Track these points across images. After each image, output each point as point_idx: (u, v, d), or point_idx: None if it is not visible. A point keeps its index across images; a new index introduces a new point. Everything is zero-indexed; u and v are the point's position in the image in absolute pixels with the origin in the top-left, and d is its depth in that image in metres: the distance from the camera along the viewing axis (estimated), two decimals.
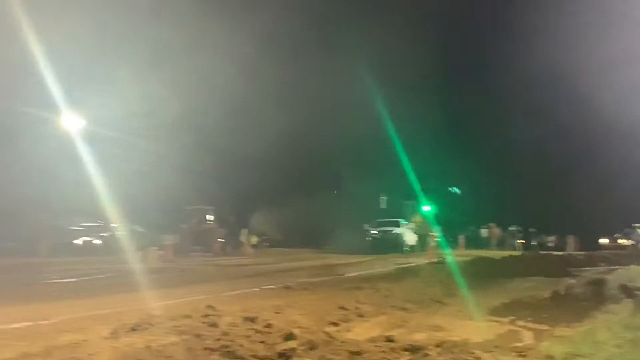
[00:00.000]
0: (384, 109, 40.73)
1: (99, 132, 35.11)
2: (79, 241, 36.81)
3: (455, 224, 47.86)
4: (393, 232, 40.28)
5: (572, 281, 16.92)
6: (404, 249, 39.12)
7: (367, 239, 40.33)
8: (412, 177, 40.02)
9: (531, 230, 52.44)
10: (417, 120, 47.61)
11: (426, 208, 44.12)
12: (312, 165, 52.38)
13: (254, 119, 44.43)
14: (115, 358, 6.27)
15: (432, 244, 37.05)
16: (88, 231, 37.50)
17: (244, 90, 40.01)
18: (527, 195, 55.88)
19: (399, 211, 44.48)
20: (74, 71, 31.16)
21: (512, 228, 50.94)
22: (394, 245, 38.44)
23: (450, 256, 26.97)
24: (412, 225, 42.49)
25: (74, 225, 38.54)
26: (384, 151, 42.38)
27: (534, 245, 48.52)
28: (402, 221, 41.93)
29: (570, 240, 48.95)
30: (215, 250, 36.01)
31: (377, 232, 40.65)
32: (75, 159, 31.20)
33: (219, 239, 37.44)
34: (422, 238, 40.55)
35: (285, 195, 43.57)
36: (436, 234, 42.01)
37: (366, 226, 41.37)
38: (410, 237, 41.16)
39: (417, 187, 41.71)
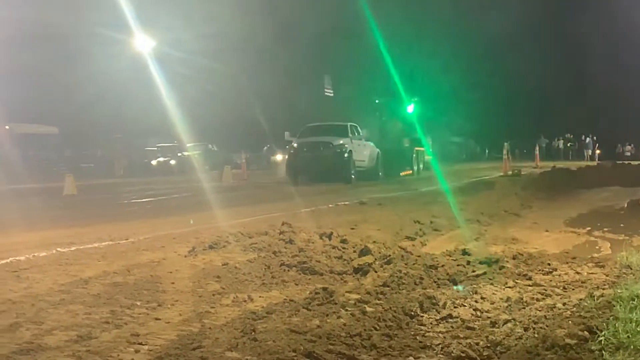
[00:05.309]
0: None
1: (170, 53, 35.25)
2: (154, 161, 37.59)
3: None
4: (332, 145, 23.42)
5: None
6: (351, 174, 23.30)
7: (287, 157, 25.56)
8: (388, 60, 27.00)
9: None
10: None
11: (410, 109, 29.85)
12: None
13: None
14: (194, 275, 6.38)
15: (420, 162, 30.05)
16: (163, 151, 38.25)
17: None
18: (601, 105, 54.32)
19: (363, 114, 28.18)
20: None
21: (588, 138, 49.90)
22: (334, 167, 23.10)
23: (525, 168, 26.43)
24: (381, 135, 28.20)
25: (149, 146, 39.37)
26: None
27: (610, 155, 47.32)
28: (353, 127, 25.15)
29: None
30: None
31: (299, 147, 24.09)
32: (149, 81, 31.45)
33: None
34: (398, 156, 28.35)
35: None
36: (423, 148, 31.08)
37: (287, 135, 26.10)
38: (365, 155, 25.13)
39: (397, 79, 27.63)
